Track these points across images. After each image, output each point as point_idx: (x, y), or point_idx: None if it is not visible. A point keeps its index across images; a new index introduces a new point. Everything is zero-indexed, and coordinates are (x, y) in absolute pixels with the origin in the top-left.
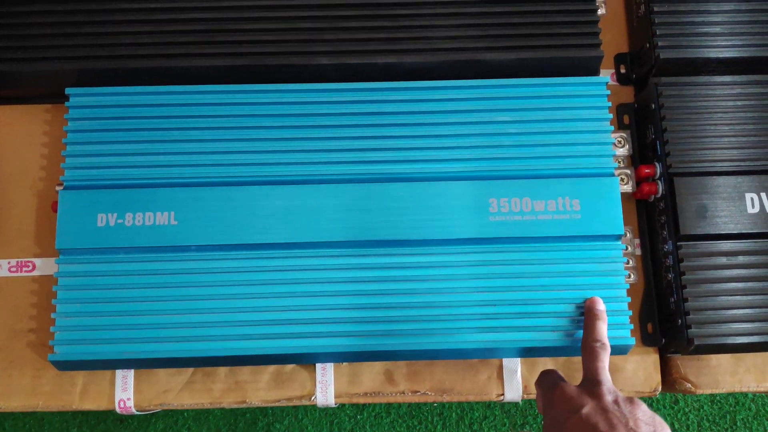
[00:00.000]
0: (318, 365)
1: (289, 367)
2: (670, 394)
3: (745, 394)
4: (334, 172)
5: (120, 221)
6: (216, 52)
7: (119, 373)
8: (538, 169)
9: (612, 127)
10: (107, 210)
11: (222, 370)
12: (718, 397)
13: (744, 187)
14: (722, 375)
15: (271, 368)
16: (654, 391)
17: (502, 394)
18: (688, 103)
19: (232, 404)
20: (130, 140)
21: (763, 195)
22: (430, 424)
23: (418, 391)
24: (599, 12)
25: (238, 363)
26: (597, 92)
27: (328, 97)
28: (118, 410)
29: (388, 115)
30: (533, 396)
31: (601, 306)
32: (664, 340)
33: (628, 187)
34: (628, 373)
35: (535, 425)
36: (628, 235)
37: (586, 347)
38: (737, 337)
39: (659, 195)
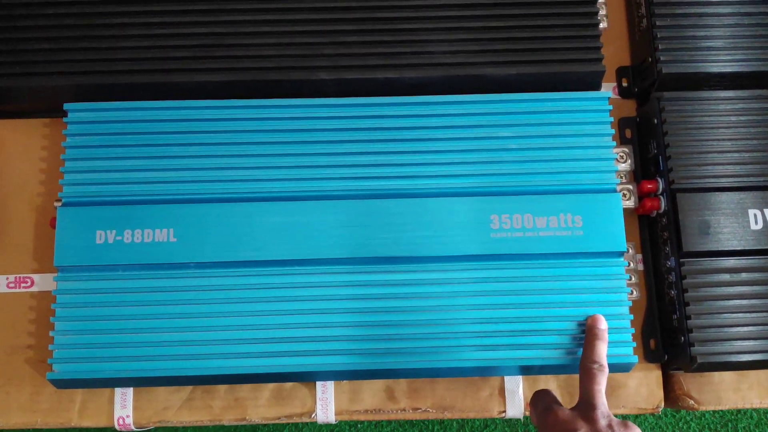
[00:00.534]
0: (318, 382)
1: (289, 384)
2: None
3: None
4: (334, 188)
5: (119, 238)
6: (215, 67)
7: (118, 390)
8: (540, 184)
9: (614, 143)
10: (106, 227)
11: (221, 387)
12: None
13: (747, 203)
14: (725, 391)
15: (271, 385)
16: (656, 407)
17: (504, 411)
18: (691, 118)
19: (232, 421)
20: (129, 156)
21: (766, 211)
22: None
23: (419, 409)
24: (601, 26)
25: (237, 381)
26: (599, 107)
27: (327, 113)
28: (117, 427)
29: (388, 131)
30: None
31: (602, 325)
32: (666, 357)
33: (630, 203)
34: (630, 389)
35: None
36: (630, 250)
37: (584, 368)
38: (741, 355)
39: (662, 210)
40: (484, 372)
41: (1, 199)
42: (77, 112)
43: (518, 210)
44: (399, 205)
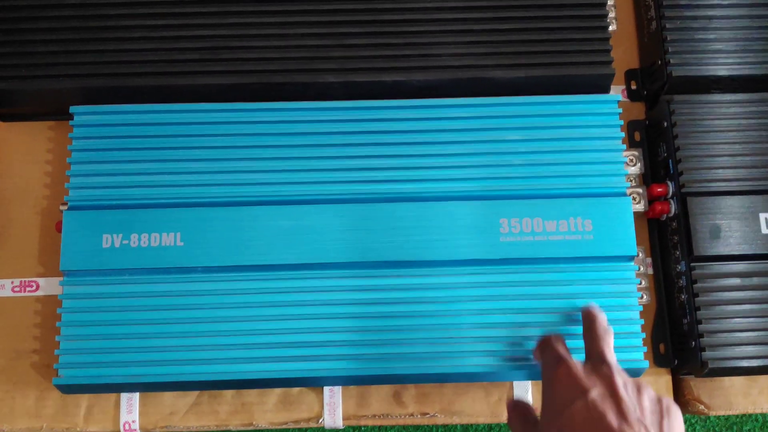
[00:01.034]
0: (326, 387)
1: (297, 388)
2: None
3: None
4: (342, 192)
5: (125, 242)
6: (221, 70)
7: (124, 395)
8: (549, 188)
9: (624, 146)
10: (112, 231)
11: (228, 392)
12: None
13: (759, 207)
14: (735, 396)
15: (278, 390)
16: None
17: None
18: (701, 121)
19: (238, 426)
20: (135, 159)
21: None
22: None
23: (428, 413)
24: (610, 28)
25: (244, 386)
26: (608, 110)
27: (334, 116)
28: None
29: (396, 134)
30: None
31: (596, 309)
32: (676, 361)
33: (640, 206)
34: None
35: None
36: (639, 254)
37: (588, 332)
38: (752, 360)
39: (672, 214)
40: (493, 377)
41: (5, 203)
42: (83, 115)
43: (527, 214)
44: (407, 209)
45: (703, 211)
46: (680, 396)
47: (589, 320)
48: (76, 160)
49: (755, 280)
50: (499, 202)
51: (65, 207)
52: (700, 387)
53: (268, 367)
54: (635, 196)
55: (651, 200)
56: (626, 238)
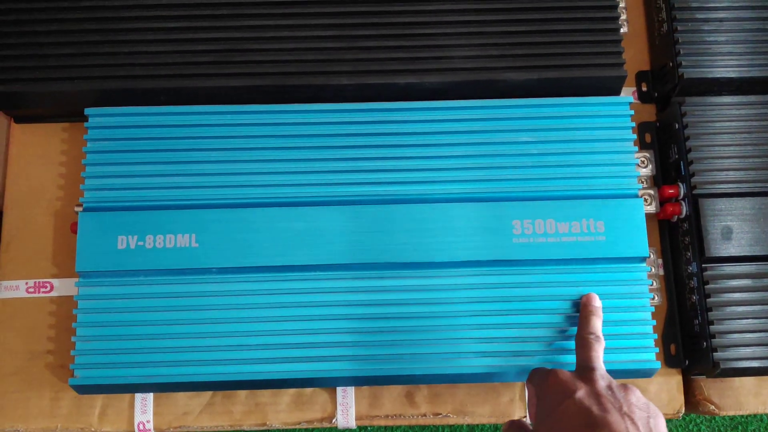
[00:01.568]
0: (339, 387)
1: (310, 389)
2: None
3: None
4: (355, 193)
5: (140, 243)
6: (235, 72)
7: (138, 395)
8: (562, 190)
9: (635, 148)
10: (127, 232)
11: (242, 393)
12: None
13: None
14: (745, 396)
15: (292, 390)
16: (677, 413)
17: (525, 416)
18: (712, 123)
19: (252, 426)
20: (150, 161)
21: None
22: None
23: (440, 414)
24: (621, 30)
25: (258, 387)
26: (620, 112)
27: (348, 118)
28: None
29: (409, 136)
30: None
31: (596, 302)
32: (687, 362)
33: (651, 208)
34: (651, 394)
35: None
36: (651, 255)
37: (580, 339)
38: (764, 361)
39: (683, 216)
40: (505, 378)
41: (20, 204)
42: (98, 116)
43: (540, 215)
44: (419, 211)
45: (715, 212)
46: (691, 396)
47: (582, 325)
48: (90, 161)
49: (766, 281)
50: (511, 203)
51: (80, 208)
52: (710, 387)
53: (281, 368)
54: (647, 197)
55: (662, 202)
56: (638, 239)
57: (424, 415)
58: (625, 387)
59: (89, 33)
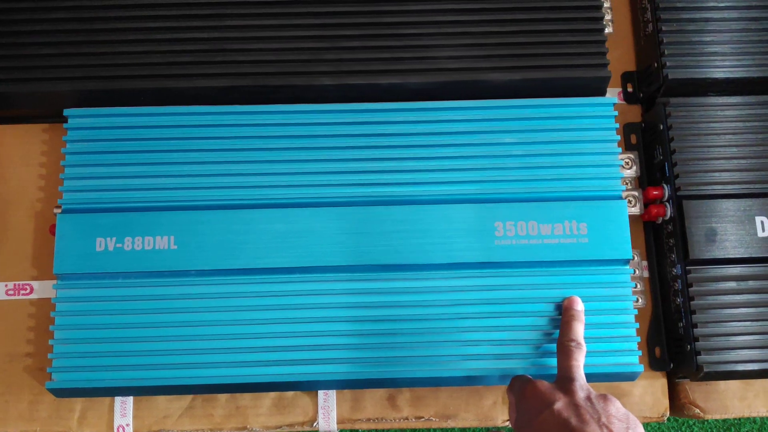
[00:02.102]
0: (320, 390)
1: (291, 392)
2: None
3: None
4: (336, 195)
5: (119, 245)
6: (216, 73)
7: (118, 398)
8: (545, 191)
9: (620, 149)
10: (106, 234)
11: (222, 396)
12: None
13: (754, 210)
14: (731, 400)
15: (273, 393)
16: (662, 416)
17: (507, 420)
18: (697, 124)
19: (233, 430)
20: (129, 162)
21: None
22: None
23: (422, 417)
24: (606, 31)
25: (238, 390)
26: (604, 113)
27: (330, 118)
28: None
29: (392, 137)
30: None
31: (579, 306)
32: (672, 365)
33: (635, 209)
34: (635, 398)
35: None
36: (635, 257)
37: (561, 346)
38: (748, 364)
39: (667, 217)
40: (487, 381)
41: (0, 205)
42: (77, 118)
43: (523, 217)
44: (402, 212)
45: (699, 214)
46: (676, 399)
47: (563, 331)
48: (70, 163)
49: (751, 284)
50: (494, 205)
51: (59, 210)
52: (695, 391)
53: (262, 371)
54: (631, 199)
55: (647, 203)
56: (621, 241)
57: (406, 419)
58: (604, 397)
59: (70, 33)
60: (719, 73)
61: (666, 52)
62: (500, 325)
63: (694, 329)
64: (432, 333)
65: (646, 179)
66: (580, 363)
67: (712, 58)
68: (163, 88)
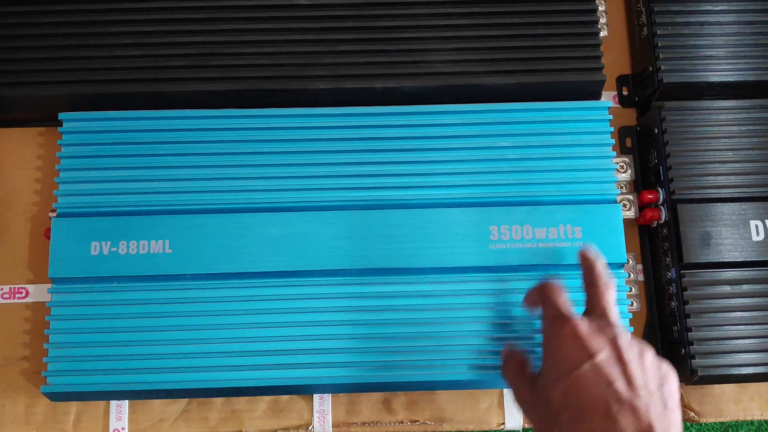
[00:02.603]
0: (315, 394)
1: (286, 395)
2: None
3: None
4: (332, 199)
5: (114, 249)
6: (211, 77)
7: (113, 402)
8: (539, 195)
9: (614, 153)
10: (101, 238)
11: (218, 399)
12: None
13: (749, 214)
14: (726, 403)
15: (268, 397)
16: None
17: (503, 423)
18: (692, 128)
19: None
20: (124, 166)
21: None
22: None
23: (418, 421)
24: (601, 34)
25: (234, 394)
26: (599, 117)
27: (325, 122)
28: None
29: (387, 141)
30: None
31: (595, 252)
32: None
33: (630, 213)
34: None
35: None
36: (630, 261)
37: (589, 282)
38: (742, 368)
39: (662, 221)
40: (483, 384)
41: None
42: (72, 121)
43: (517, 221)
44: (397, 216)
45: (694, 218)
46: None
47: (587, 269)
48: (64, 166)
49: (745, 288)
50: (488, 209)
51: (54, 214)
52: (690, 394)
53: (257, 375)
54: (626, 202)
55: (641, 207)
56: (616, 245)
57: (402, 422)
58: (641, 350)
59: (65, 37)
60: (714, 77)
61: (661, 56)
62: (495, 329)
63: (689, 333)
64: (427, 337)
65: (641, 183)
66: (614, 298)
67: (707, 61)
68: (158, 92)
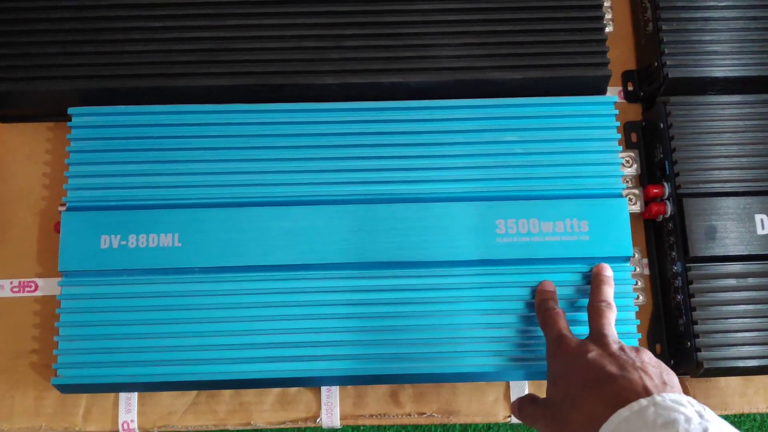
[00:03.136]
0: (323, 387)
1: (294, 388)
2: None
3: None
4: (339, 193)
5: (123, 243)
6: (220, 72)
7: (123, 394)
8: (546, 189)
9: (620, 148)
10: (110, 231)
11: (226, 392)
12: None
13: (754, 208)
14: (731, 396)
15: (276, 390)
16: None
17: (509, 416)
18: (697, 123)
19: (237, 426)
20: (133, 161)
21: None
22: None
23: (425, 413)
24: (606, 29)
25: (242, 386)
26: (605, 112)
27: (332, 117)
28: None
29: (394, 135)
30: None
31: (608, 272)
32: (672, 362)
33: (636, 207)
34: None
35: None
36: (636, 255)
37: (592, 308)
38: (748, 360)
39: (668, 215)
40: (489, 377)
41: (4, 204)
42: (81, 116)
43: (524, 215)
44: (404, 210)
45: (699, 212)
46: None
47: (594, 293)
48: (74, 161)
49: (750, 281)
50: (495, 203)
51: (63, 208)
52: (695, 387)
53: (265, 367)
54: (631, 197)
55: (647, 201)
56: (622, 239)
57: (409, 415)
58: (637, 349)
59: (74, 33)
60: (719, 72)
61: (666, 51)
62: (502, 322)
63: (695, 326)
64: (434, 329)
65: (647, 177)
66: (611, 321)
67: (712, 57)
68: (166, 86)
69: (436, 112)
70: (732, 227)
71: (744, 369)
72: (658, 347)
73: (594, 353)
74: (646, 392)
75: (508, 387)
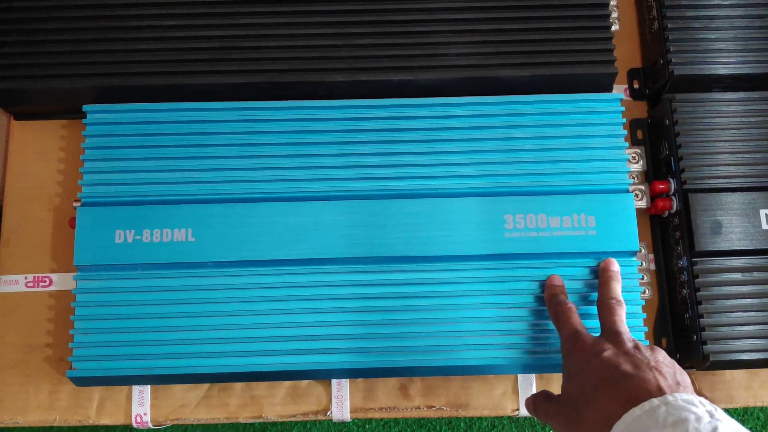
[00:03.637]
0: (333, 380)
1: (305, 381)
2: None
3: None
4: (349, 189)
5: (138, 238)
6: (231, 69)
7: (136, 387)
8: (553, 185)
9: (626, 144)
10: (125, 226)
11: (238, 385)
12: None
13: (759, 203)
14: (737, 390)
15: (287, 383)
16: None
17: (518, 409)
18: (702, 119)
19: (248, 419)
20: (147, 157)
21: None
22: None
23: (434, 406)
24: (613, 28)
25: (253, 379)
26: (611, 109)
27: (342, 114)
28: (134, 425)
29: (403, 132)
30: None
31: (615, 267)
32: (678, 356)
33: (642, 203)
34: None
35: None
36: (642, 250)
37: (602, 305)
38: (753, 353)
39: (673, 211)
40: (498, 370)
41: (19, 200)
42: (96, 113)
43: (532, 210)
44: (414, 205)
45: (705, 207)
46: None
47: (602, 290)
48: (89, 157)
49: (756, 275)
50: (503, 198)
51: (78, 203)
52: (701, 380)
53: (277, 360)
54: (638, 192)
55: (653, 197)
56: (629, 234)
57: (418, 408)
58: (652, 348)
59: (88, 31)
60: (724, 70)
61: (671, 49)
62: (510, 316)
63: (700, 319)
64: (443, 323)
65: (653, 174)
66: (623, 318)
67: (717, 54)
68: (179, 84)
69: (445, 109)
70: (737, 222)
71: (749, 362)
72: (664, 341)
73: (609, 351)
74: (660, 392)
75: (516, 380)
